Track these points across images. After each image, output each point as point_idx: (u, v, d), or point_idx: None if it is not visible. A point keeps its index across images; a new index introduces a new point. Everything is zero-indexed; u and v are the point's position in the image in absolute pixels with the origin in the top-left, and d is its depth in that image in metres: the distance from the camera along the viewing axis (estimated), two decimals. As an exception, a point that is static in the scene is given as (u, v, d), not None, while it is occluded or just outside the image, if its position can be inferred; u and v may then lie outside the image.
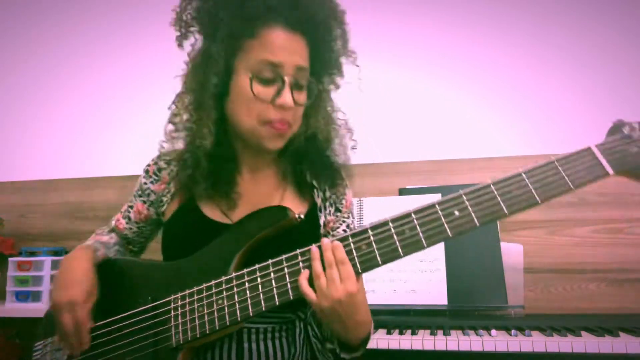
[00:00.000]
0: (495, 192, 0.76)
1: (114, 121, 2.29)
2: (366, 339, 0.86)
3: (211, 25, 0.91)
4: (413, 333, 1.28)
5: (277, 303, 0.81)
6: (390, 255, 0.78)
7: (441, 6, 2.03)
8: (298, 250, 0.83)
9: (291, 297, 0.81)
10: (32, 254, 1.97)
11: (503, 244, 1.57)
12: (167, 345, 0.85)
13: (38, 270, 1.90)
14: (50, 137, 2.34)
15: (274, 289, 0.82)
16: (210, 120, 0.93)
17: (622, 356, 1.15)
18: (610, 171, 0.75)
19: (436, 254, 1.57)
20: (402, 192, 1.81)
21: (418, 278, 1.56)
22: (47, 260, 1.90)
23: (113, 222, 1.12)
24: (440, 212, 0.76)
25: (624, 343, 1.16)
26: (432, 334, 1.28)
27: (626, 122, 0.78)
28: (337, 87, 1.03)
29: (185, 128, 0.96)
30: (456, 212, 0.76)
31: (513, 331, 1.28)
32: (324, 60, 0.97)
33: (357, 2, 2.08)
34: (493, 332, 1.27)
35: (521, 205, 0.75)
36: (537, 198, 0.75)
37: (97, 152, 2.27)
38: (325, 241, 0.80)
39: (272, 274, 0.83)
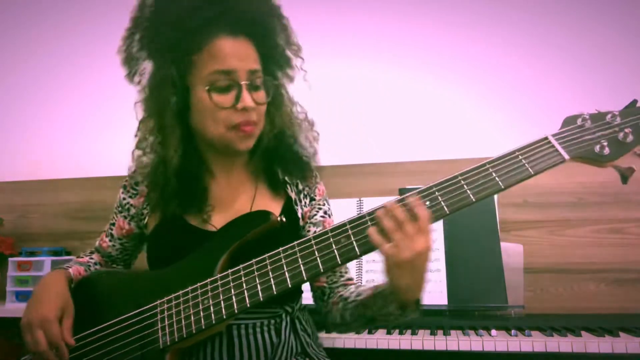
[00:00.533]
0: (463, 182, 0.83)
1: (114, 121, 2.28)
2: (420, 300, 0.88)
3: (158, 50, 0.94)
4: (413, 333, 1.28)
5: (262, 299, 0.83)
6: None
7: (441, 6, 2.03)
8: (280, 249, 0.85)
9: (274, 292, 0.83)
10: (32, 254, 1.97)
11: (503, 244, 1.57)
12: (154, 347, 0.85)
13: (38, 270, 1.90)
14: (50, 137, 2.34)
15: (258, 285, 0.83)
16: (175, 139, 0.95)
17: (622, 356, 1.15)
18: (566, 157, 0.82)
19: (436, 254, 1.57)
20: (402, 192, 1.80)
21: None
22: (47, 260, 1.90)
23: (97, 243, 1.14)
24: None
25: (624, 343, 1.16)
26: (432, 334, 1.28)
27: (579, 114, 0.86)
28: (291, 80, 1.05)
29: (152, 151, 0.98)
30: (427, 203, 0.82)
31: (513, 331, 1.28)
32: (273, 56, 1.00)
33: (357, 2, 2.09)
34: (493, 332, 1.27)
35: (486, 192, 0.82)
36: (501, 184, 0.81)
37: (97, 152, 2.27)
38: (388, 204, 0.81)
39: (255, 272, 0.85)
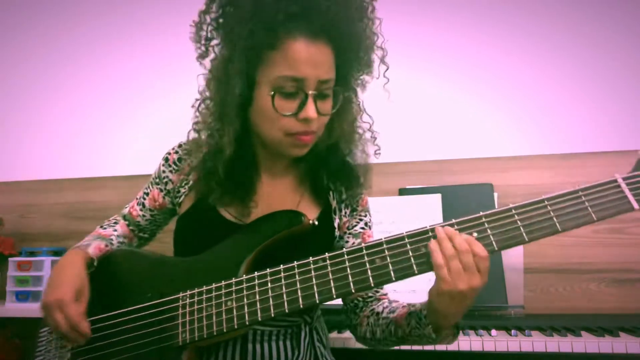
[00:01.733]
0: (516, 217, 0.75)
1: (114, 121, 2.29)
2: (459, 325, 0.87)
3: (231, 37, 0.88)
4: (413, 333, 1.28)
5: (287, 310, 0.80)
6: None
7: (441, 6, 2.03)
8: (311, 258, 0.82)
9: (301, 306, 0.79)
10: (32, 254, 1.96)
11: (503, 244, 1.57)
12: (173, 342, 0.85)
13: (38, 270, 1.90)
14: (50, 137, 2.34)
15: (284, 295, 0.81)
16: (232, 131, 0.91)
17: (622, 356, 1.15)
18: (636, 206, 0.73)
19: (436, 254, 1.57)
20: (402, 192, 1.81)
21: (418, 278, 1.54)
22: (47, 260, 1.90)
23: (126, 210, 1.11)
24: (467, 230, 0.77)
25: (624, 343, 1.16)
26: (432, 334, 1.27)
27: None
28: (365, 87, 1.01)
29: (208, 137, 0.95)
30: (475, 234, 0.76)
31: (513, 331, 1.28)
32: (351, 63, 0.94)
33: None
34: (493, 332, 1.27)
35: (541, 232, 0.75)
36: (559, 227, 0.75)
37: (97, 152, 2.27)
38: (448, 229, 0.77)
39: (282, 280, 0.82)
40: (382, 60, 0.99)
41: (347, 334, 1.29)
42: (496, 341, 1.21)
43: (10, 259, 1.92)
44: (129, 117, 2.25)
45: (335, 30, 0.87)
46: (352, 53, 0.92)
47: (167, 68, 2.14)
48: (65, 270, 0.93)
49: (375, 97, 1.07)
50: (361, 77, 0.99)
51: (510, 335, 1.25)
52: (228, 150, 0.91)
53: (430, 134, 1.97)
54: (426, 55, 2.01)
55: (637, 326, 1.29)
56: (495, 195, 1.67)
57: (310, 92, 0.86)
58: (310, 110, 0.86)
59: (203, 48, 0.93)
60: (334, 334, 1.29)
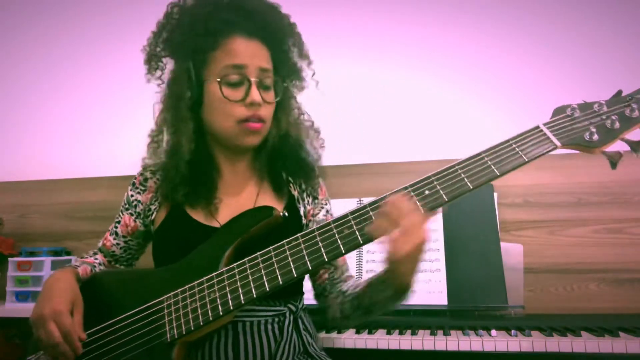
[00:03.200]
0: (460, 171, 0.86)
1: (113, 121, 2.28)
2: (411, 284, 0.90)
3: (179, 48, 1.01)
4: (413, 333, 1.28)
5: (268, 289, 0.84)
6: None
7: (440, 6, 2.03)
8: (285, 241, 0.87)
9: (280, 282, 0.84)
10: (32, 254, 1.96)
11: (503, 244, 1.57)
12: (161, 341, 0.86)
13: (38, 271, 1.89)
14: (50, 137, 2.34)
15: (264, 277, 0.85)
16: (188, 130, 1.01)
17: (622, 356, 1.15)
18: (558, 144, 0.86)
19: (436, 254, 1.57)
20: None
21: (418, 278, 1.55)
22: (47, 260, 1.90)
23: (100, 243, 1.16)
24: (412, 193, 0.86)
25: (624, 343, 1.16)
26: (432, 334, 1.27)
27: (567, 105, 0.91)
28: (300, 90, 1.12)
29: (166, 141, 1.04)
30: (426, 192, 0.86)
31: (513, 331, 1.28)
32: (284, 62, 1.06)
33: (358, 2, 2.09)
34: (493, 332, 1.27)
35: (483, 179, 0.85)
36: (496, 172, 0.85)
37: (97, 152, 2.27)
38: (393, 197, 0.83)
39: (261, 264, 0.86)
40: (309, 67, 1.11)
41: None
42: (496, 341, 1.21)
43: (10, 259, 1.92)
44: (129, 117, 2.25)
45: (267, 33, 1.01)
46: (283, 54, 1.05)
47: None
48: (58, 284, 0.94)
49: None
50: (295, 81, 1.10)
51: (510, 335, 1.25)
52: (187, 147, 1.00)
53: (430, 134, 1.97)
54: (426, 55, 2.02)
55: (637, 326, 1.29)
56: (495, 195, 1.67)
57: (252, 78, 0.98)
58: (254, 94, 0.97)
59: (154, 64, 1.08)
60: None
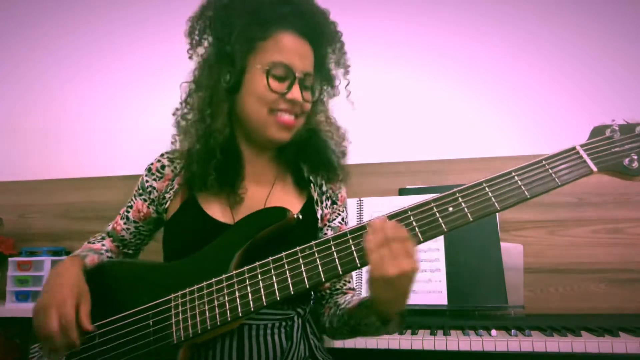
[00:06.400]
0: (487, 190, 0.80)
1: (114, 121, 2.29)
2: (403, 314, 0.88)
3: (225, 30, 0.99)
4: (413, 333, 1.28)
5: (279, 298, 0.82)
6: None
7: (440, 6, 2.03)
8: (298, 248, 0.84)
9: (292, 292, 0.82)
10: (32, 254, 1.97)
11: (503, 244, 1.57)
12: (167, 342, 0.85)
13: (38, 270, 1.90)
14: (50, 137, 2.34)
15: (275, 284, 0.83)
16: (224, 113, 0.99)
17: (622, 356, 1.15)
18: (594, 169, 0.79)
19: (436, 254, 1.57)
20: (402, 192, 1.81)
21: (418, 278, 1.55)
22: (47, 260, 1.90)
23: (110, 226, 1.13)
24: (435, 209, 0.81)
25: (624, 343, 1.16)
26: (432, 334, 1.28)
27: (607, 125, 0.83)
28: (331, 96, 1.11)
29: (199, 122, 1.00)
30: (450, 209, 0.80)
31: (513, 331, 1.28)
32: (323, 67, 1.06)
33: (358, 2, 2.09)
34: (493, 332, 1.27)
35: (511, 200, 0.79)
36: (526, 194, 0.79)
37: (98, 152, 2.27)
38: (378, 220, 0.79)
39: (272, 270, 0.84)
40: (345, 76, 1.11)
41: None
42: (496, 341, 1.21)
43: (10, 259, 1.92)
44: (130, 117, 2.25)
45: (316, 35, 1.01)
46: (325, 60, 1.06)
47: (168, 68, 2.14)
48: (65, 274, 0.93)
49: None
50: (328, 87, 1.10)
51: (510, 335, 1.25)
52: (223, 132, 0.98)
53: (430, 134, 1.97)
54: (426, 55, 2.01)
55: (637, 326, 1.29)
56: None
57: (298, 75, 0.97)
58: (296, 91, 0.97)
59: (197, 38, 1.03)
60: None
